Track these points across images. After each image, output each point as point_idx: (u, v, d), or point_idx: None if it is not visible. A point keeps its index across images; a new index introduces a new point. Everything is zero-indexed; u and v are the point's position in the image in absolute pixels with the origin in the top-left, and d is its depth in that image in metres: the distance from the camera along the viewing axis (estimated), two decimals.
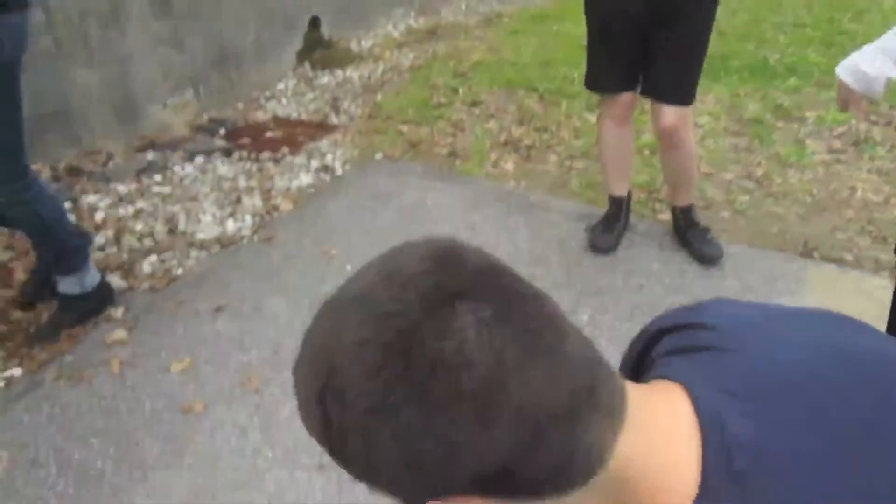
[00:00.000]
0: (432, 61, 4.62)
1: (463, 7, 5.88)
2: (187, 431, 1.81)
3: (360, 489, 1.56)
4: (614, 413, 0.51)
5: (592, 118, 3.58)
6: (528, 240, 2.63)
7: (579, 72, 3.83)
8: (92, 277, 2.20)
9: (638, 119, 3.34)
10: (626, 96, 2.34)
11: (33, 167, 2.97)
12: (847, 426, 0.53)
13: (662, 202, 2.85)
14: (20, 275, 2.36)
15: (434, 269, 0.49)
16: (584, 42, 2.41)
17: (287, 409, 1.87)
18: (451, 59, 4.54)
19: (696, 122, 3.64)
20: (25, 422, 1.86)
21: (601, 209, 2.72)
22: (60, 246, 2.09)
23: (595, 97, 2.94)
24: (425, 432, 0.46)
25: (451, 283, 0.48)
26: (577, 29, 5.12)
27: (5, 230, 2.45)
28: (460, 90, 4.07)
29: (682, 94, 2.25)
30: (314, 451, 1.73)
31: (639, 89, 2.34)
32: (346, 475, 1.49)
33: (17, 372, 2.03)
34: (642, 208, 2.86)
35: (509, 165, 3.30)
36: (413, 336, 0.46)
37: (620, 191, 2.55)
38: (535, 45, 4.81)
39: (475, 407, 0.46)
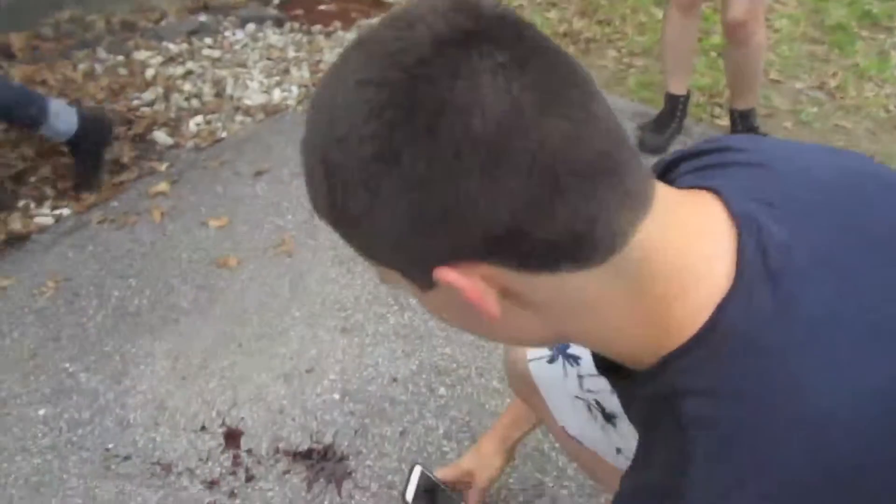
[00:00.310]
0: None
1: None
2: (220, 283, 1.88)
3: (380, 353, 1.60)
4: (640, 197, 0.47)
5: (659, 14, 3.35)
6: None
7: None
8: (65, 121, 2.09)
9: (711, 17, 3.12)
10: None
11: (88, 18, 2.99)
12: (877, 231, 0.52)
13: (723, 107, 2.71)
14: None
15: (449, 9, 0.44)
16: None
17: (317, 273, 1.91)
18: None
19: (773, 26, 3.38)
20: (70, 257, 1.96)
21: (657, 109, 2.60)
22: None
23: None
24: (432, 181, 0.43)
25: (466, 23, 0.43)
26: None
27: None
28: None
29: None
30: (339, 315, 1.79)
31: None
32: (368, 338, 1.52)
33: (66, 211, 2.11)
34: (700, 112, 2.72)
35: None
36: (420, 74, 0.42)
37: (678, 88, 2.42)
38: None
39: (487, 154, 0.42)
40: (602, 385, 0.92)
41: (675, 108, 2.44)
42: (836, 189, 0.54)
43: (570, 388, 0.94)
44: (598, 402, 0.93)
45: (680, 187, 0.55)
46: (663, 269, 0.48)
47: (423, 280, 0.49)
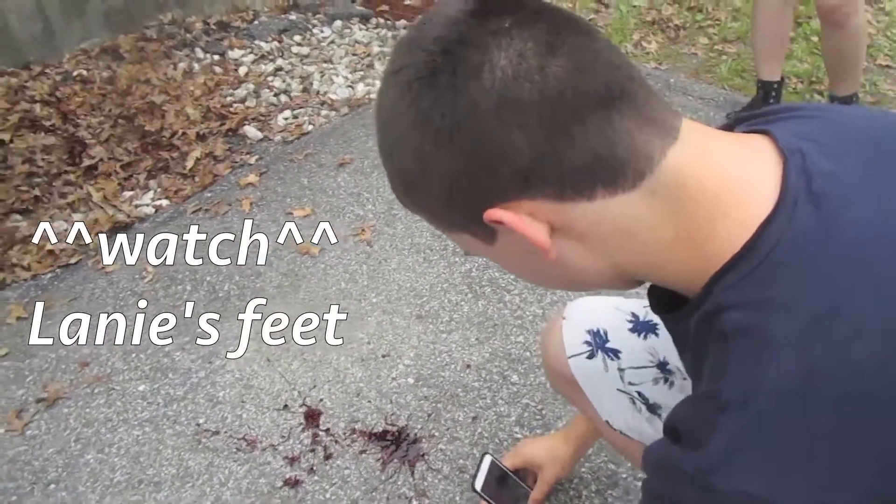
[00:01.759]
0: None
1: None
2: (303, 270, 1.96)
3: (454, 339, 1.63)
4: (662, 124, 0.51)
5: None
6: None
7: None
8: None
9: (810, 1, 2.94)
10: None
11: (188, 20, 3.17)
12: None
13: (823, 94, 2.55)
14: None
15: (460, 2, 0.51)
16: None
17: (394, 262, 1.95)
18: None
19: (884, 8, 3.14)
20: (169, 243, 2.09)
21: (749, 97, 2.48)
22: None
23: None
24: (459, 130, 0.49)
25: (472, 6, 0.50)
26: None
27: None
28: None
29: None
30: (415, 302, 1.82)
31: None
32: (443, 325, 1.56)
33: (164, 202, 2.26)
34: (798, 99, 2.57)
35: (653, 45, 3.06)
36: (436, 49, 0.49)
37: (771, 74, 2.29)
38: None
39: (498, 98, 0.48)
40: (644, 377, 0.91)
41: (767, 94, 2.32)
42: (885, 135, 0.55)
43: (612, 383, 0.93)
44: (640, 394, 0.91)
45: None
46: (703, 192, 0.50)
47: (484, 232, 0.55)
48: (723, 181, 0.51)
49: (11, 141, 2.44)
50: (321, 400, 1.59)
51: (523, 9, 0.50)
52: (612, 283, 0.58)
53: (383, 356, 1.69)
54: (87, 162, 2.39)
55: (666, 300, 0.60)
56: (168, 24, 3.11)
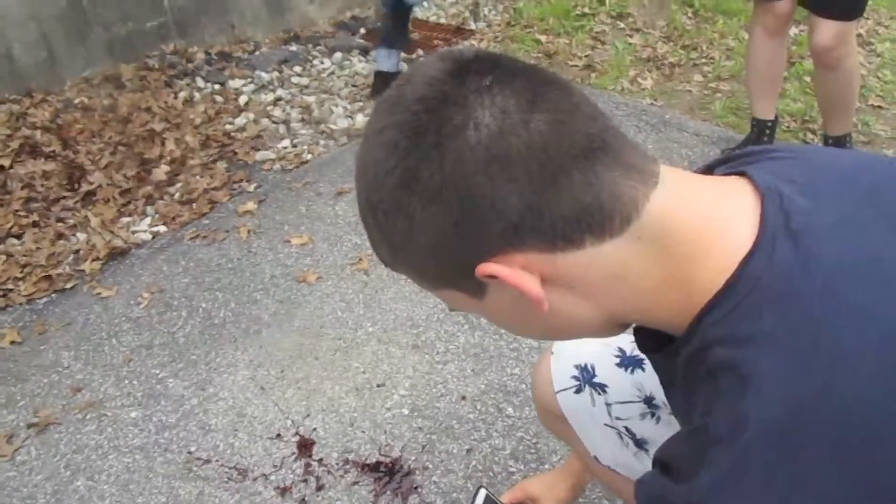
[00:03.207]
0: None
1: None
2: (299, 298, 1.96)
3: (450, 370, 1.62)
4: (642, 170, 0.52)
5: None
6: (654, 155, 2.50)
7: None
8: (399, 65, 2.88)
9: (804, 41, 3.01)
10: (782, 4, 2.10)
11: (189, 50, 3.21)
12: (893, 209, 0.53)
13: (817, 133, 2.59)
14: None
15: (435, 61, 0.53)
16: None
17: (391, 291, 1.96)
18: None
19: (875, 50, 3.22)
20: (165, 270, 2.09)
21: (743, 134, 2.52)
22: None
23: None
24: (447, 188, 0.49)
25: (450, 66, 0.51)
26: None
27: None
28: (607, 1, 3.84)
29: (844, 6, 1.98)
30: (411, 332, 1.82)
31: None
32: (438, 355, 1.56)
33: (162, 228, 2.26)
34: (791, 138, 2.61)
35: (648, 82, 3.11)
36: (420, 109, 0.50)
37: (765, 113, 2.34)
38: None
39: (485, 153, 0.48)
40: (631, 411, 0.91)
41: (762, 132, 2.36)
42: (854, 173, 0.57)
43: (600, 417, 0.93)
44: (627, 429, 0.92)
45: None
46: (684, 233, 0.52)
47: (474, 287, 0.55)
48: (703, 221, 0.52)
49: (11, 166, 2.46)
50: (314, 429, 1.58)
51: (501, 67, 0.51)
52: (601, 329, 0.59)
53: (378, 386, 1.68)
54: (85, 188, 2.40)
55: (652, 339, 0.61)
56: (170, 54, 3.15)
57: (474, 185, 0.49)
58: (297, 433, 1.58)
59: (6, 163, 2.46)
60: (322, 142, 2.70)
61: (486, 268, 0.52)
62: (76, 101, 2.81)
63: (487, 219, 0.50)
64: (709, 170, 0.63)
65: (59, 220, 2.30)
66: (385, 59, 2.87)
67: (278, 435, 1.58)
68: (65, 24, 2.82)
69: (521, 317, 0.58)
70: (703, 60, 3.28)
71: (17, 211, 2.31)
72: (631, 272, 0.53)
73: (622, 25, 3.63)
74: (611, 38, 3.51)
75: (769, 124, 2.35)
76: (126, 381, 1.74)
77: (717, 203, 0.54)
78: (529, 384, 1.64)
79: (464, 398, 1.63)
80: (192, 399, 1.68)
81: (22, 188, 2.39)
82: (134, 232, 2.25)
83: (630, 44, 3.46)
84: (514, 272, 0.52)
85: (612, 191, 0.50)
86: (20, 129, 2.62)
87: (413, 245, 0.53)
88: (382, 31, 2.95)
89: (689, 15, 3.70)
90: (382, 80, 2.86)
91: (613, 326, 0.60)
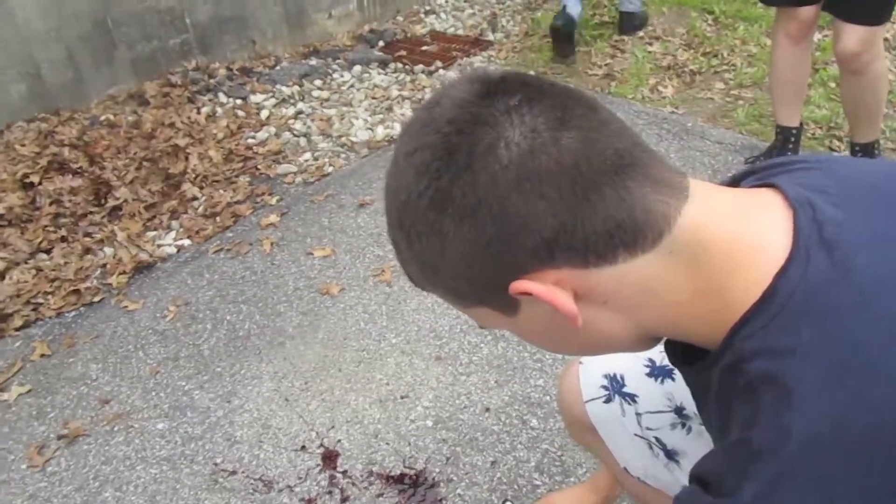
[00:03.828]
0: None
1: None
2: (322, 310, 1.97)
3: (473, 382, 1.62)
4: (672, 184, 0.52)
5: (770, 44, 3.24)
6: (676, 164, 2.48)
7: None
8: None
9: (828, 46, 2.98)
10: (806, 10, 2.07)
11: (211, 66, 3.26)
12: None
13: (843, 140, 2.55)
14: None
15: (463, 82, 0.53)
16: None
17: (414, 302, 1.96)
18: None
19: None
20: (189, 283, 2.11)
21: (767, 142, 2.49)
22: None
23: None
24: (480, 206, 0.49)
25: (479, 88, 0.52)
26: None
27: None
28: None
29: (871, 10, 1.94)
30: (434, 343, 1.82)
31: (822, 2, 2.06)
32: (462, 367, 1.55)
33: (186, 242, 2.29)
34: (817, 145, 2.58)
35: (668, 90, 3.10)
36: (450, 130, 0.50)
37: (789, 120, 2.31)
38: None
39: (517, 172, 0.49)
40: (661, 422, 0.90)
41: (787, 140, 2.33)
42: (884, 183, 0.57)
43: (629, 427, 0.93)
44: (658, 440, 0.91)
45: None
46: (717, 245, 0.52)
47: (506, 304, 0.55)
48: (735, 234, 0.52)
49: (40, 183, 2.50)
50: (339, 441, 1.59)
51: (529, 87, 0.52)
52: (634, 344, 0.59)
53: (402, 397, 1.68)
54: (112, 203, 2.44)
55: (683, 351, 0.61)
56: (192, 71, 3.20)
57: (507, 203, 0.49)
58: (321, 445, 1.58)
59: (35, 179, 2.51)
60: (343, 154, 2.72)
61: (520, 285, 0.52)
62: (102, 118, 2.86)
63: (521, 237, 0.50)
64: (735, 182, 0.63)
65: (87, 234, 2.34)
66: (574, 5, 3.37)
67: (303, 447, 1.58)
68: (90, 43, 2.88)
69: (553, 333, 0.58)
70: (725, 67, 3.26)
71: (45, 226, 2.35)
72: (664, 286, 0.53)
73: (641, 33, 3.62)
74: (630, 47, 3.50)
75: (794, 132, 2.32)
76: (153, 393, 1.76)
77: (749, 216, 0.54)
78: (554, 396, 1.63)
79: (488, 410, 1.62)
80: (218, 411, 1.69)
81: (50, 204, 2.43)
82: (159, 246, 2.28)
83: (649, 52, 3.45)
84: (548, 289, 0.52)
85: (643, 206, 0.51)
86: (48, 147, 2.67)
87: (445, 265, 0.53)
88: None
89: (710, 22, 3.67)
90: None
91: (646, 340, 0.59)
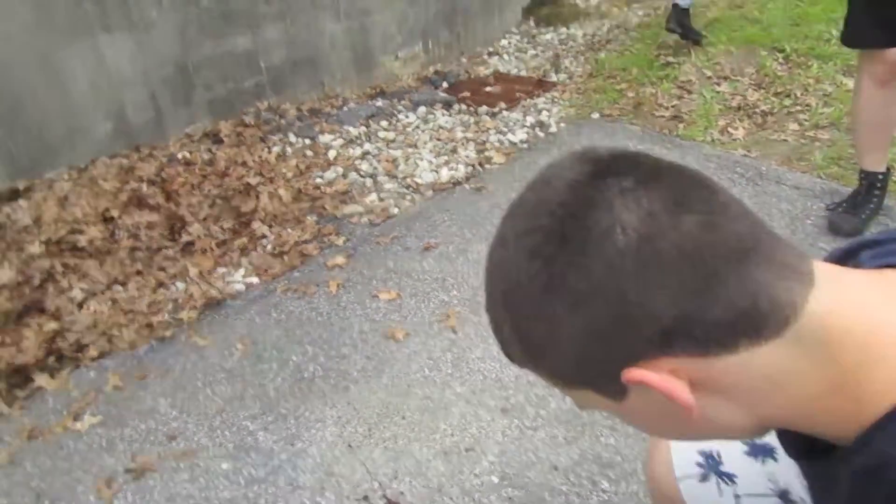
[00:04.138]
0: (663, 18, 4.34)
1: None
2: (387, 355, 1.96)
3: (541, 437, 1.56)
4: (797, 269, 0.49)
5: (848, 83, 3.12)
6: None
7: (838, 29, 3.32)
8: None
9: None
10: (893, 52, 1.99)
11: (282, 107, 3.36)
12: None
13: None
14: None
15: (574, 162, 0.52)
16: None
17: (479, 350, 1.93)
18: None
19: None
20: (257, 322, 2.14)
21: (848, 187, 2.38)
22: None
23: (853, 58, 2.55)
24: (595, 293, 0.48)
25: (590, 169, 0.51)
26: None
27: None
28: (692, 50, 3.78)
29: None
30: (499, 395, 1.78)
31: None
32: (528, 420, 1.50)
33: (255, 280, 2.33)
34: None
35: (739, 132, 3.02)
36: (564, 213, 0.49)
37: (875, 164, 2.21)
38: (785, 0, 4.29)
39: (636, 259, 0.47)
40: None
41: (872, 185, 2.22)
42: None
43: None
44: None
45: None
46: (852, 336, 0.48)
47: (614, 390, 0.53)
48: (871, 325, 0.49)
49: (120, 217, 2.61)
50: (402, 493, 1.56)
51: (641, 167, 0.50)
52: (746, 433, 0.56)
53: (466, 450, 1.64)
54: (185, 238, 2.51)
55: (801, 442, 0.56)
56: (265, 111, 3.31)
57: (624, 291, 0.47)
58: (384, 496, 1.55)
59: (116, 213, 2.62)
60: (408, 196, 2.74)
61: (634, 373, 0.50)
62: (179, 155, 2.97)
63: (637, 325, 0.48)
64: (850, 255, 0.59)
65: (161, 268, 2.41)
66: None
67: (365, 497, 1.56)
68: (172, 86, 3.01)
69: (662, 420, 0.55)
70: (799, 108, 3.16)
71: (122, 259, 2.44)
72: (789, 378, 0.50)
73: (709, 73, 3.56)
74: (698, 87, 3.44)
75: (881, 177, 2.22)
76: (218, 432, 1.78)
77: (884, 304, 0.50)
78: (626, 456, 1.56)
79: (556, 468, 1.57)
80: (282, 454, 1.69)
81: (128, 238, 2.52)
82: (229, 283, 2.33)
83: (718, 92, 3.38)
84: (664, 378, 0.49)
85: (768, 293, 0.48)
86: (129, 182, 2.79)
87: (553, 349, 0.52)
88: None
89: (780, 60, 3.58)
90: (678, 13, 3.67)
91: (760, 430, 0.56)
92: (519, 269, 0.51)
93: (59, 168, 2.78)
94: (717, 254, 0.47)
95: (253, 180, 2.78)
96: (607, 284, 0.47)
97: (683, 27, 3.68)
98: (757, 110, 3.18)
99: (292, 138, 3.15)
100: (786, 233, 2.26)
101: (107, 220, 2.59)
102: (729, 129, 3.06)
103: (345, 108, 3.45)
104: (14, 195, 2.67)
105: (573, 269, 0.48)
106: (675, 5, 3.66)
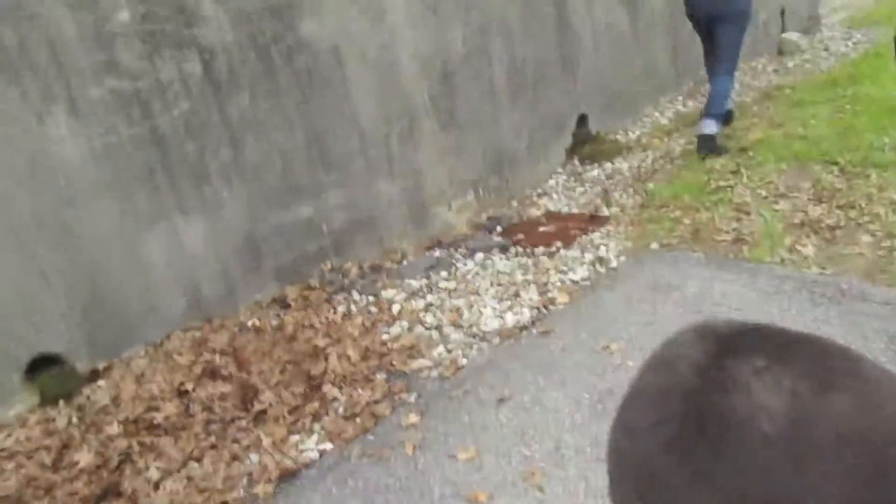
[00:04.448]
0: None
1: (736, 86, 5.63)
2: None
3: None
4: None
5: None
6: (842, 335, 2.25)
7: (890, 138, 3.31)
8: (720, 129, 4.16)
9: None
10: None
11: (344, 266, 3.46)
12: None
13: None
14: None
15: (695, 341, 0.49)
16: None
17: None
18: (729, 140, 4.29)
19: None
20: (335, 493, 2.06)
21: None
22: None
23: None
24: (745, 493, 0.43)
25: (714, 348, 0.47)
26: (881, 90, 4.54)
27: None
28: (742, 171, 3.80)
29: None
30: None
31: None
32: None
33: (328, 446, 2.28)
34: None
35: (809, 249, 2.93)
36: (697, 402, 0.45)
37: None
38: (827, 114, 4.34)
39: (788, 449, 0.42)
40: None
41: None
42: None
43: None
44: None
45: None
46: None
47: None
48: None
49: (194, 389, 2.64)
50: None
51: (771, 343, 0.47)
52: None
53: None
54: (258, 407, 2.51)
55: None
56: (328, 272, 3.41)
57: (777, 482, 0.42)
58: None
59: (190, 387, 2.65)
60: (475, 345, 2.71)
61: None
62: (249, 323, 3.05)
63: None
64: None
65: (234, 440, 2.39)
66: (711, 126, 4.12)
67: None
68: (241, 257, 3.16)
69: None
70: (867, 218, 3.07)
71: (198, 434, 2.44)
72: None
73: (763, 193, 3.54)
74: (755, 208, 3.41)
75: None
76: None
77: None
78: None
79: None
80: None
81: (202, 411, 2.54)
82: (302, 451, 2.28)
83: (777, 210, 3.34)
84: None
85: None
86: (202, 354, 2.85)
87: None
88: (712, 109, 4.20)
89: (835, 173, 3.55)
90: (706, 139, 4.12)
91: None
92: (654, 462, 0.47)
93: (137, 345, 2.88)
94: (881, 434, 0.42)
95: (321, 342, 2.81)
96: (754, 476, 0.43)
97: (714, 148, 4.14)
98: (822, 225, 3.11)
99: (356, 296, 3.21)
100: (888, 355, 2.11)
101: (181, 393, 2.62)
102: (797, 246, 2.98)
103: (404, 262, 3.53)
104: (94, 376, 2.76)
105: (717, 463, 0.44)
106: (701, 135, 4.14)
